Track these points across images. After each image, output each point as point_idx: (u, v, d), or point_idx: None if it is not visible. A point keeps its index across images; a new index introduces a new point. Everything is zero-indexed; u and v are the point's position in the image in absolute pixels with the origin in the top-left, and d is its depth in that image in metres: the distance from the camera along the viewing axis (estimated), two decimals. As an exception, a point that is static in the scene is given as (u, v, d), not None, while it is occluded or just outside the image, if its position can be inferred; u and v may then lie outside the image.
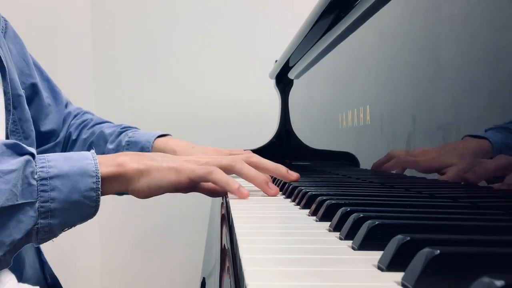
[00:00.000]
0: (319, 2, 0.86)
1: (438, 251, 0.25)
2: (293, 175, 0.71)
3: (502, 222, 0.41)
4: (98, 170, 0.54)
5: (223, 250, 0.43)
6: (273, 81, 1.48)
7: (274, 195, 0.67)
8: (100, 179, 0.53)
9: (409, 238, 0.29)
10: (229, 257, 0.40)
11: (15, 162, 0.49)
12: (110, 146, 0.91)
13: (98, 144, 0.93)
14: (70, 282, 1.65)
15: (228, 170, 0.64)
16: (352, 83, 0.86)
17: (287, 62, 1.26)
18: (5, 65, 0.73)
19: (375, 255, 0.31)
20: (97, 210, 0.54)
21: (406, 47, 0.62)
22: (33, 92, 0.86)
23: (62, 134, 0.93)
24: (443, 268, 0.25)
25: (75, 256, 1.66)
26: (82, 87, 1.82)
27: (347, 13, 0.82)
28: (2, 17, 0.80)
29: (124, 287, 1.87)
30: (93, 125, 0.99)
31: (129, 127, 0.98)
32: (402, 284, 0.26)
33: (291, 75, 1.38)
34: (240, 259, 0.32)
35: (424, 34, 0.57)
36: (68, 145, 0.96)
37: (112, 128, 0.97)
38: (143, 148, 0.90)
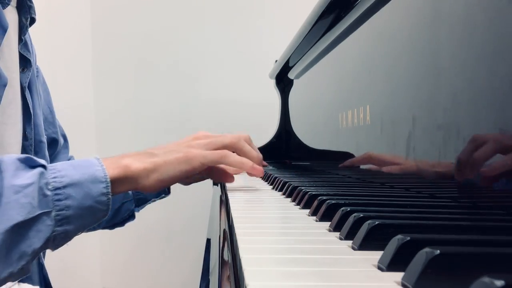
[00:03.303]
0: (319, 2, 0.86)
1: (438, 251, 0.25)
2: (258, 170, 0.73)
3: (502, 222, 0.41)
4: (107, 175, 0.56)
5: (222, 250, 0.43)
6: (273, 81, 1.48)
7: (260, 175, 0.72)
8: (109, 184, 0.56)
9: (409, 238, 0.29)
10: (229, 257, 0.40)
11: (30, 176, 0.51)
12: None
13: None
14: (70, 282, 1.65)
15: (230, 148, 0.70)
16: (352, 83, 0.86)
17: (287, 62, 1.26)
18: (32, 112, 0.77)
19: (375, 255, 0.31)
20: (108, 212, 0.56)
21: (406, 47, 0.62)
22: (52, 142, 0.91)
23: None
24: (443, 268, 0.25)
25: (75, 256, 1.66)
26: (82, 87, 1.82)
27: (347, 13, 0.82)
28: (35, 62, 0.83)
29: (124, 287, 1.87)
30: None
31: None
32: (402, 284, 0.26)
33: (291, 75, 1.37)
34: (240, 259, 0.32)
35: (424, 34, 0.57)
36: None
37: None
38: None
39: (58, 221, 0.52)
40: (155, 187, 0.62)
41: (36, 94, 0.81)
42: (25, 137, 0.76)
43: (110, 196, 0.56)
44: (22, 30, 0.77)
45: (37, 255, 0.52)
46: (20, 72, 0.77)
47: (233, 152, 0.70)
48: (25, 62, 0.78)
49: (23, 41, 0.77)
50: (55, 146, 0.93)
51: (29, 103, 0.77)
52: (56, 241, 0.53)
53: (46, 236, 0.51)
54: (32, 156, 0.53)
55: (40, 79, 0.89)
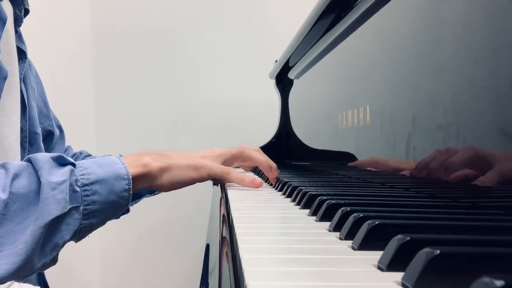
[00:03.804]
0: (319, 2, 0.86)
1: (438, 251, 0.25)
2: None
3: (502, 222, 0.41)
4: (129, 173, 0.60)
5: (222, 250, 0.43)
6: (273, 81, 1.48)
7: (275, 179, 0.83)
8: (131, 181, 0.60)
9: (409, 238, 0.29)
10: (229, 257, 0.40)
11: (63, 173, 0.55)
12: None
13: None
14: (70, 282, 1.65)
15: (238, 156, 0.80)
16: (352, 83, 0.86)
17: (287, 62, 1.25)
18: (27, 104, 0.78)
19: (375, 255, 0.31)
20: (128, 207, 0.62)
21: (406, 47, 0.62)
22: (48, 135, 0.93)
23: None
24: (443, 268, 0.25)
25: (75, 256, 1.66)
26: (82, 88, 1.82)
27: (347, 13, 0.82)
28: (28, 57, 0.83)
29: (124, 287, 1.87)
30: (83, 158, 1.06)
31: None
32: (402, 284, 0.26)
33: (291, 75, 1.37)
34: (240, 259, 0.32)
35: (424, 34, 0.57)
36: None
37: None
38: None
39: (85, 215, 0.56)
40: (166, 187, 0.67)
41: (30, 86, 0.82)
42: (20, 129, 0.77)
43: (131, 192, 0.60)
44: (17, 22, 0.78)
45: (64, 245, 0.56)
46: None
47: (243, 160, 0.81)
48: (20, 54, 0.79)
49: (18, 33, 0.78)
50: (51, 139, 0.94)
51: (24, 95, 0.78)
52: (81, 233, 0.57)
53: (74, 229, 0.55)
54: (63, 155, 0.57)
55: (33, 72, 0.89)
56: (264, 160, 0.82)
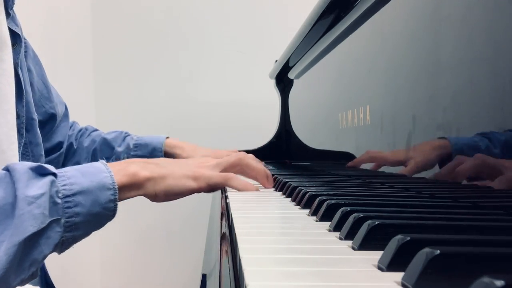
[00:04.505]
0: (319, 2, 0.86)
1: (438, 251, 0.25)
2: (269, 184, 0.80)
3: (502, 222, 0.41)
4: (114, 182, 0.56)
5: (222, 250, 0.43)
6: (273, 81, 1.48)
7: (270, 186, 0.79)
8: (117, 191, 0.56)
9: (409, 238, 0.29)
10: (229, 257, 0.40)
11: (42, 185, 0.51)
12: (119, 149, 1.00)
13: (102, 150, 1.00)
14: (70, 282, 1.65)
15: (237, 165, 0.75)
16: (352, 83, 0.86)
17: (287, 62, 1.25)
18: (24, 90, 0.75)
19: (375, 255, 0.31)
20: (114, 217, 0.57)
21: (406, 47, 0.62)
22: (50, 118, 0.90)
23: (65, 145, 0.98)
24: (443, 268, 0.25)
25: (75, 256, 1.66)
26: (82, 88, 1.81)
27: (347, 13, 0.82)
28: (23, 36, 0.80)
29: (124, 287, 1.87)
30: (90, 133, 1.05)
31: (127, 132, 1.07)
32: (402, 284, 0.26)
33: (291, 75, 1.37)
34: (240, 259, 0.32)
35: (424, 34, 0.57)
36: (69, 154, 1.01)
37: (113, 133, 1.05)
38: (155, 149, 1.00)
39: (67, 228, 0.53)
40: (160, 198, 0.64)
41: (25, 71, 0.79)
42: (16, 115, 0.74)
43: (117, 202, 0.57)
44: (8, 3, 0.75)
45: (44, 259, 0.53)
46: (12, 48, 0.74)
47: (241, 169, 0.77)
48: (15, 38, 0.76)
49: (10, 15, 0.75)
50: (54, 121, 0.92)
51: (21, 80, 0.75)
52: (64, 246, 0.54)
53: (55, 242, 0.52)
54: (43, 164, 0.53)
55: (30, 54, 0.86)
56: (262, 169, 0.79)
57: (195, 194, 0.69)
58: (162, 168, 0.64)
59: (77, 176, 0.55)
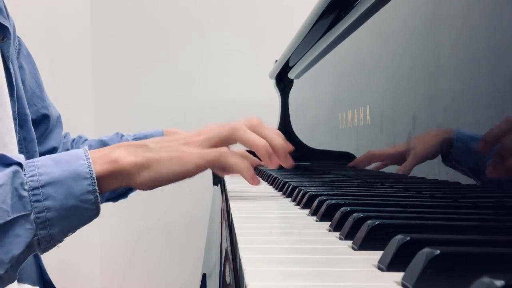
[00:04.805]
0: (319, 2, 0.86)
1: (438, 251, 0.25)
2: (288, 161, 0.65)
3: (502, 222, 0.41)
4: (92, 170, 0.50)
5: (222, 250, 0.43)
6: (273, 81, 1.48)
7: (275, 167, 0.63)
8: (95, 180, 0.50)
9: (409, 238, 0.29)
10: (229, 257, 0.40)
11: (1, 176, 0.46)
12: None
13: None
14: (70, 282, 1.65)
15: (230, 139, 0.60)
16: (352, 83, 0.86)
17: (287, 62, 1.25)
18: (14, 84, 0.72)
19: (375, 255, 0.31)
20: (99, 211, 0.51)
21: (406, 47, 0.62)
22: (43, 118, 0.87)
23: (59, 151, 0.94)
24: (443, 268, 0.25)
25: (75, 256, 1.66)
26: (82, 88, 1.82)
27: (347, 13, 0.82)
28: (15, 33, 0.79)
29: (124, 287, 1.87)
30: (85, 140, 1.02)
31: (123, 134, 1.03)
32: (402, 284, 0.26)
33: (291, 75, 1.37)
34: (240, 259, 0.32)
35: (424, 34, 0.57)
36: None
37: (109, 136, 1.01)
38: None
39: (40, 224, 0.47)
40: (148, 185, 0.55)
41: (17, 67, 0.77)
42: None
43: (97, 194, 0.50)
44: None
45: (22, 261, 0.48)
46: (0, 42, 0.72)
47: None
48: (3, 31, 0.73)
49: None
50: (47, 122, 0.88)
51: (12, 74, 0.72)
52: (41, 245, 0.49)
53: (26, 241, 0.47)
54: (6, 154, 0.48)
55: (24, 52, 0.84)
56: (261, 144, 0.61)
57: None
58: (148, 151, 0.55)
59: (49, 165, 0.49)
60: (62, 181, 0.48)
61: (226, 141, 0.60)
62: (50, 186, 0.48)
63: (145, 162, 0.54)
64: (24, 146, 0.75)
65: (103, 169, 0.51)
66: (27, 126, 0.75)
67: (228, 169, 0.58)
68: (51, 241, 0.49)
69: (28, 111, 0.76)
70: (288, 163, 0.65)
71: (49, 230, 0.48)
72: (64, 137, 0.99)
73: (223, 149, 0.58)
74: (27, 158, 0.74)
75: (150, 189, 0.57)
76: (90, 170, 0.50)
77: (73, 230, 0.51)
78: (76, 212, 0.49)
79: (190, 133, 0.61)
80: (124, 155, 0.53)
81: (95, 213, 0.51)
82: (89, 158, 0.50)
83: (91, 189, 0.49)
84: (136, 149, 0.54)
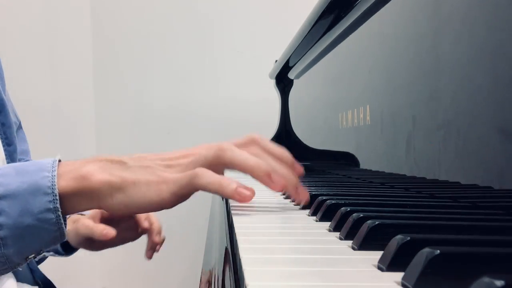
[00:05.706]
0: (319, 2, 0.86)
1: (438, 251, 0.25)
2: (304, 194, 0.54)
3: (502, 222, 0.41)
4: (54, 185, 0.43)
5: (222, 250, 0.43)
6: (273, 81, 1.48)
7: (279, 190, 0.52)
8: (57, 197, 0.43)
9: (409, 238, 0.29)
10: (229, 257, 0.40)
11: None
12: None
13: None
14: (70, 282, 1.65)
15: (217, 162, 0.49)
16: (352, 83, 0.86)
17: (287, 62, 1.25)
18: None
19: (375, 255, 0.31)
20: (64, 234, 0.44)
21: (406, 47, 0.62)
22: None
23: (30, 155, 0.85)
24: (443, 268, 0.25)
25: (75, 256, 1.66)
26: (82, 87, 1.82)
27: (347, 13, 0.82)
28: None
29: (124, 287, 1.87)
30: None
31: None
32: (402, 284, 0.26)
33: (291, 75, 1.37)
34: (240, 259, 0.32)
35: (424, 34, 0.57)
36: None
37: None
38: None
39: None
40: (119, 210, 0.46)
41: None
42: None
43: (59, 213, 0.43)
44: None
45: None
46: None
47: (223, 167, 0.51)
48: None
49: None
50: (4, 109, 0.76)
51: None
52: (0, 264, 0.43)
53: None
54: None
55: None
56: (252, 164, 0.50)
57: (196, 192, 0.58)
58: (125, 170, 0.46)
59: (9, 175, 0.43)
60: (17, 195, 0.42)
61: (214, 164, 0.49)
62: (5, 200, 0.42)
63: (120, 182, 0.45)
64: (3, 132, 0.69)
65: (68, 186, 0.44)
66: (4, 111, 0.68)
67: (207, 191, 0.48)
68: (7, 263, 0.43)
69: (4, 96, 0.69)
70: (302, 195, 0.53)
71: (2, 250, 0.42)
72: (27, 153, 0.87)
73: (198, 169, 0.47)
74: (6, 144, 0.67)
75: (122, 215, 0.48)
76: (52, 185, 0.43)
77: (33, 252, 0.45)
78: (33, 232, 0.43)
79: (176, 153, 0.51)
80: (95, 172, 0.45)
81: (58, 235, 0.44)
82: (54, 171, 0.44)
83: (51, 207, 0.43)
84: (111, 166, 0.46)
